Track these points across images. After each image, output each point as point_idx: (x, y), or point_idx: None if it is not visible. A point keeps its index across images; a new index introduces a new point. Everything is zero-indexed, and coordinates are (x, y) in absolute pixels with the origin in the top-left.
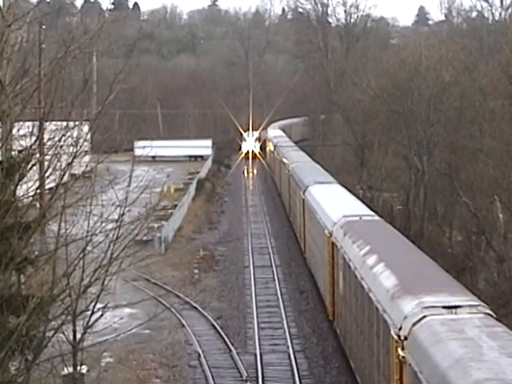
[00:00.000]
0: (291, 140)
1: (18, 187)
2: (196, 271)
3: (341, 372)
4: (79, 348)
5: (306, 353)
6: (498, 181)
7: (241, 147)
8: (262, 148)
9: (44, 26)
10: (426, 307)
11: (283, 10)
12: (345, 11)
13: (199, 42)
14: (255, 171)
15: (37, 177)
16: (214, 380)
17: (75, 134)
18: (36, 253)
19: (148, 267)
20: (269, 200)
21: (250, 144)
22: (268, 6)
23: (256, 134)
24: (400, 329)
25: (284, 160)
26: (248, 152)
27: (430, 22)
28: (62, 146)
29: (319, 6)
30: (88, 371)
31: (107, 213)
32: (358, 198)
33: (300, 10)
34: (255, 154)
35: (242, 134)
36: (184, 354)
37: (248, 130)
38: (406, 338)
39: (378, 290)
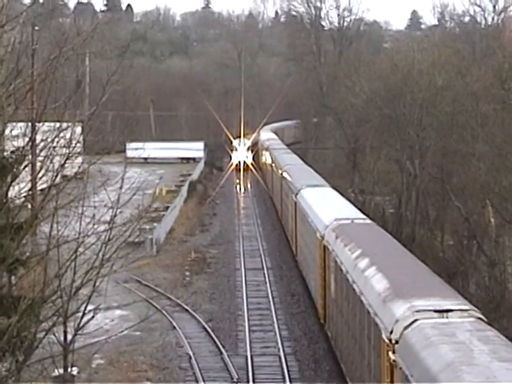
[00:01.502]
0: (283, 143)
1: (11, 188)
2: (187, 273)
3: (332, 375)
4: (70, 349)
5: (297, 356)
6: (489, 185)
7: (231, 157)
8: (255, 156)
9: (37, 27)
10: (417, 311)
11: (276, 12)
12: (338, 15)
13: (192, 44)
14: (249, 186)
15: (29, 178)
16: (204, 382)
17: (68, 135)
18: (28, 254)
19: (139, 269)
20: (261, 203)
21: (241, 154)
22: (261, 8)
23: (248, 142)
24: (391, 332)
25: (276, 163)
26: (239, 163)
27: (423, 26)
28: (54, 147)
29: (312, 9)
30: (79, 373)
31: (99, 214)
32: (350, 201)
33: (293, 13)
34: (247, 166)
35: (231, 142)
36: (175, 356)
37: (239, 136)
38: (397, 342)
39: (370, 293)
